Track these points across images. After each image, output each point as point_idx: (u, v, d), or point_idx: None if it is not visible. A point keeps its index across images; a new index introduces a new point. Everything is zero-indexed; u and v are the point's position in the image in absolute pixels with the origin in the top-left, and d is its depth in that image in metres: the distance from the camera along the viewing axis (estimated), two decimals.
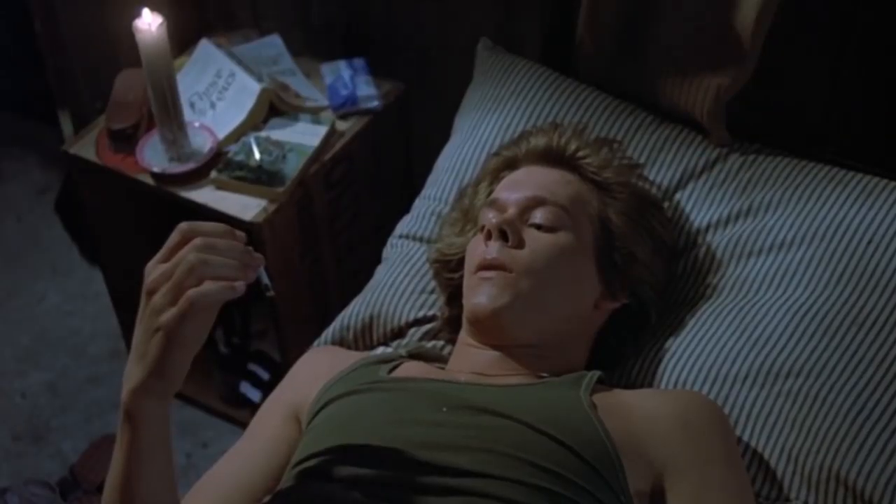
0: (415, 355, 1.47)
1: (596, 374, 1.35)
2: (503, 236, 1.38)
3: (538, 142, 1.49)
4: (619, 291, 1.43)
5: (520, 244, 1.38)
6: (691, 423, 1.28)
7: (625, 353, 1.51)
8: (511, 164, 1.51)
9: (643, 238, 1.46)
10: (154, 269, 1.06)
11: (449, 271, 1.52)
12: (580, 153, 1.47)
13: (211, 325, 1.06)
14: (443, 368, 1.43)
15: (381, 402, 1.30)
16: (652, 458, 1.25)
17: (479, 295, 1.36)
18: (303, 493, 1.21)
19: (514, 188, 1.44)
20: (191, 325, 1.03)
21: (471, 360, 1.39)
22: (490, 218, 1.40)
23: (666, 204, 1.62)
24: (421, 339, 1.60)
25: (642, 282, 1.45)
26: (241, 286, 1.05)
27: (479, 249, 1.39)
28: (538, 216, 1.40)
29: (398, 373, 1.39)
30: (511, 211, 1.40)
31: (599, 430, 1.23)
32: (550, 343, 1.38)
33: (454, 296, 1.52)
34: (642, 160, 1.66)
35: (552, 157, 1.48)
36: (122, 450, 1.10)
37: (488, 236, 1.38)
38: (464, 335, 1.43)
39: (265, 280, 1.11)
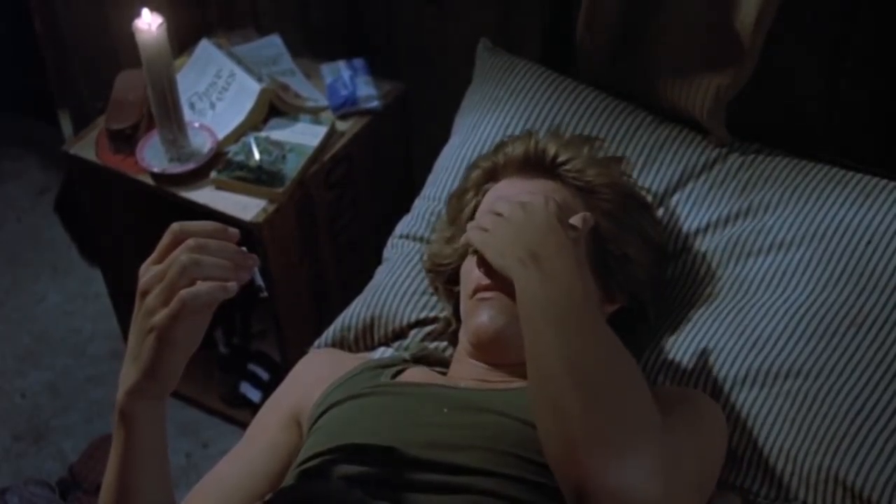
0: (418, 359, 1.47)
1: None
2: None
3: (516, 150, 1.47)
4: (617, 293, 1.43)
5: None
6: (682, 399, 1.30)
7: None
8: (492, 176, 1.50)
9: (634, 238, 1.45)
10: (147, 271, 1.07)
11: (447, 282, 1.52)
12: (560, 158, 1.45)
13: (206, 326, 1.06)
14: (445, 373, 1.43)
15: (383, 404, 1.31)
16: None
17: (480, 315, 1.35)
18: (304, 490, 1.21)
19: None
20: (183, 326, 1.03)
21: (472, 370, 1.39)
22: None
23: (665, 204, 1.62)
24: (422, 339, 1.60)
25: (638, 282, 1.45)
26: (233, 286, 1.05)
27: (474, 274, 1.38)
28: None
29: (401, 378, 1.39)
30: None
31: None
32: None
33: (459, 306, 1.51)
34: (642, 160, 1.66)
35: (531, 165, 1.46)
36: (118, 451, 1.11)
37: (481, 261, 1.37)
38: (465, 348, 1.43)
39: (258, 281, 1.11)
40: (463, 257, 1.47)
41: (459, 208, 1.52)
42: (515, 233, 1.28)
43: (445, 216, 1.57)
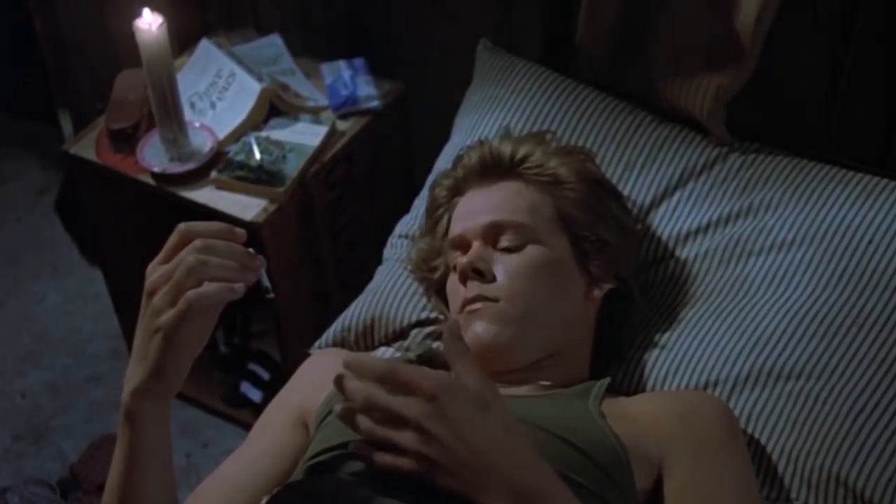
0: (424, 360, 1.47)
1: (605, 382, 1.35)
2: (477, 273, 1.37)
3: (472, 160, 1.47)
4: (602, 276, 1.44)
5: (496, 276, 1.37)
6: (689, 414, 1.29)
7: (623, 342, 1.51)
8: (457, 191, 1.50)
9: (606, 221, 1.45)
10: (154, 271, 1.07)
11: (438, 292, 1.52)
12: (518, 156, 1.45)
13: (212, 327, 1.06)
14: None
15: None
16: (651, 452, 1.25)
17: (473, 329, 1.35)
18: (312, 485, 1.21)
19: (468, 219, 1.42)
20: (190, 327, 1.04)
21: None
22: (459, 259, 1.39)
23: (665, 204, 1.62)
24: (424, 340, 1.60)
25: (618, 260, 1.45)
26: (240, 287, 1.05)
27: (460, 291, 1.38)
28: (503, 240, 1.39)
29: None
30: (475, 246, 1.39)
31: (609, 435, 1.23)
32: (556, 351, 1.38)
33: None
34: (642, 160, 1.66)
35: (491, 170, 1.46)
36: (123, 450, 1.11)
37: (463, 278, 1.37)
38: None
39: (266, 282, 1.11)
40: (445, 274, 1.47)
41: (434, 222, 1.53)
42: (473, 470, 1.03)
43: (424, 239, 1.57)
